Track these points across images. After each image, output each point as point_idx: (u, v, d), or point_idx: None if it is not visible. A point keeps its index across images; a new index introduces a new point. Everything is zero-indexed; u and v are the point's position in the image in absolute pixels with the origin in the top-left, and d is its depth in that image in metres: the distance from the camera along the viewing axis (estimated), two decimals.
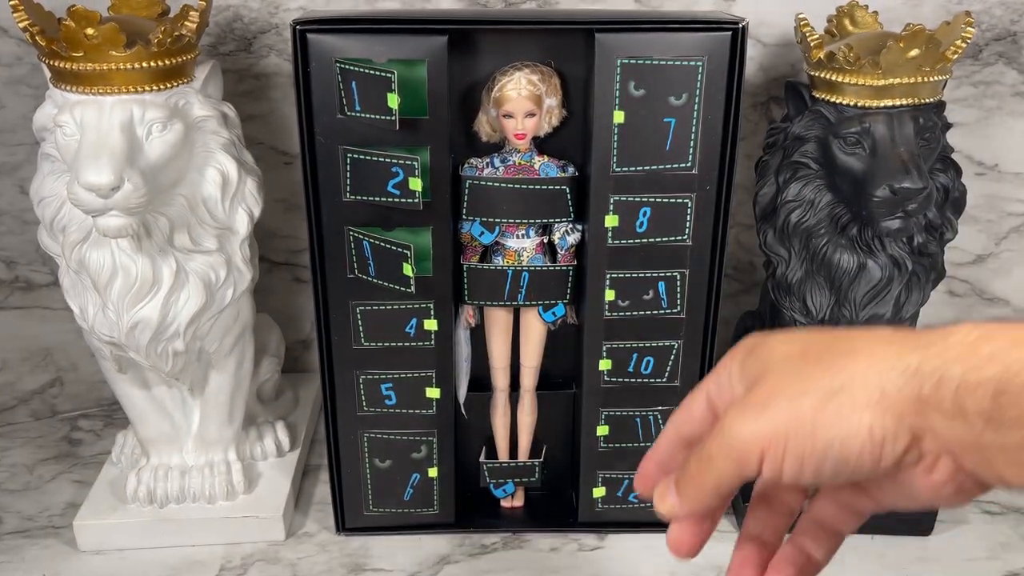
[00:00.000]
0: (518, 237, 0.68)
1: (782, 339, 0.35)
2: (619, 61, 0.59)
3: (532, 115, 0.64)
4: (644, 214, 0.63)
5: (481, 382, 0.75)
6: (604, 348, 0.68)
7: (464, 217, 0.66)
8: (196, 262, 0.67)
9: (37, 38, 0.61)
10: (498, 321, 0.71)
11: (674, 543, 0.37)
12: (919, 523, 0.75)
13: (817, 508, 0.38)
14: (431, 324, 0.67)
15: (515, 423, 0.76)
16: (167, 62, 0.63)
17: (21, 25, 0.61)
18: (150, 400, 0.74)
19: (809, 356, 0.34)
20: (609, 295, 0.66)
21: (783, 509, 0.39)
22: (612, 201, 0.63)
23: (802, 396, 0.32)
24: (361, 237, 0.63)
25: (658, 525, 0.74)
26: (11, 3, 0.61)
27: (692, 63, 0.59)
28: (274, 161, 0.87)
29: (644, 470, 0.40)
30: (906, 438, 0.31)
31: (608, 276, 0.65)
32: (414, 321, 0.66)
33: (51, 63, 0.62)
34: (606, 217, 0.63)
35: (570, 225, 0.67)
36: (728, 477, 0.34)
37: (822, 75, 0.67)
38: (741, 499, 0.75)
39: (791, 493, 0.39)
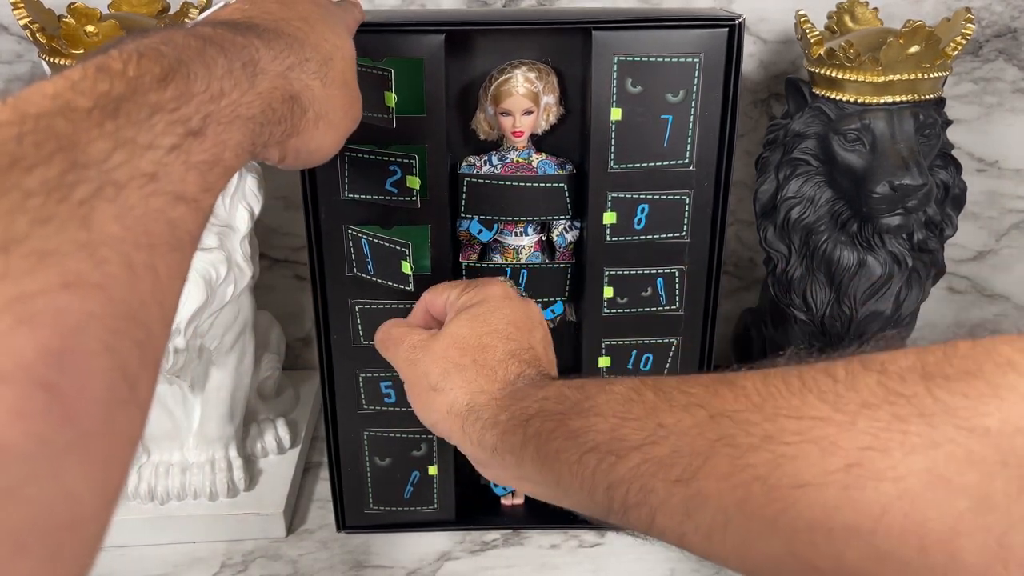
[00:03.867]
0: (516, 235, 0.68)
1: (470, 318, 0.50)
2: (616, 58, 0.59)
3: (530, 113, 0.64)
4: (642, 211, 0.63)
5: None
6: (603, 345, 0.68)
7: (462, 215, 0.66)
8: (196, 259, 0.66)
9: (37, 35, 0.61)
10: None
11: None
12: None
13: None
14: None
15: None
16: None
17: (21, 22, 0.62)
18: None
19: (453, 347, 0.49)
20: (608, 292, 0.66)
21: None
22: (610, 198, 0.63)
23: (425, 377, 0.49)
24: (359, 235, 0.63)
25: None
26: (11, 0, 0.61)
27: (689, 60, 0.59)
28: None
29: (411, 317, 0.58)
30: (455, 441, 0.47)
31: (607, 273, 0.65)
32: None
33: (51, 60, 0.62)
34: (604, 214, 0.63)
35: (568, 222, 0.67)
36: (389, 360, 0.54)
37: (822, 72, 0.67)
38: None
39: None
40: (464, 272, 0.68)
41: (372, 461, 0.72)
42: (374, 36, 0.59)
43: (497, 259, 0.68)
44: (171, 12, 0.70)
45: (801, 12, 0.69)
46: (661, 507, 0.35)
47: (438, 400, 0.48)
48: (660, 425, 0.36)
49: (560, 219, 0.67)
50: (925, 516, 0.28)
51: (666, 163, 0.62)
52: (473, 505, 0.77)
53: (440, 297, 0.55)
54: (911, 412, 0.29)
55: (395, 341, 0.53)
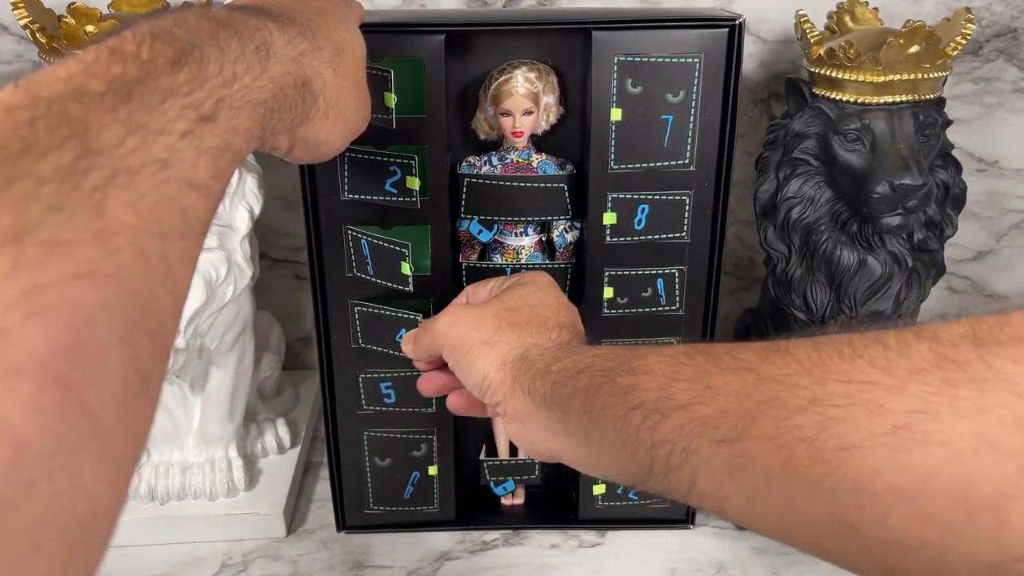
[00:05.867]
0: (516, 235, 0.68)
1: (521, 293, 0.53)
2: (616, 58, 0.59)
3: (530, 113, 0.64)
4: (642, 211, 0.63)
5: None
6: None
7: (462, 215, 0.66)
8: None
9: (37, 35, 0.61)
10: None
11: (421, 384, 0.57)
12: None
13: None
14: None
15: None
16: None
17: (21, 22, 0.62)
18: None
19: (506, 311, 0.51)
20: (608, 293, 0.66)
21: None
22: (610, 198, 0.63)
23: (476, 333, 0.49)
24: (359, 236, 0.63)
25: (658, 522, 0.75)
26: (11, 0, 0.61)
27: (689, 60, 0.59)
28: (273, 159, 0.86)
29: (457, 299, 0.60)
30: (500, 396, 0.47)
31: (607, 274, 0.65)
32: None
33: (51, 61, 0.62)
34: (604, 214, 0.63)
35: (568, 223, 0.67)
36: (431, 349, 0.53)
37: (822, 72, 0.67)
38: None
39: None
40: (464, 272, 0.68)
41: (372, 461, 0.72)
42: (374, 36, 0.58)
43: (497, 259, 0.68)
44: None
45: (801, 12, 0.68)
46: (704, 468, 0.35)
47: (491, 353, 0.48)
48: (708, 387, 0.36)
49: (560, 219, 0.67)
50: (972, 479, 0.28)
51: (666, 163, 0.62)
52: (473, 505, 0.77)
53: (484, 288, 0.58)
54: (962, 377, 0.29)
55: (433, 317, 0.54)
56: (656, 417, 0.37)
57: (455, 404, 0.56)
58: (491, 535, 0.75)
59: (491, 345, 0.49)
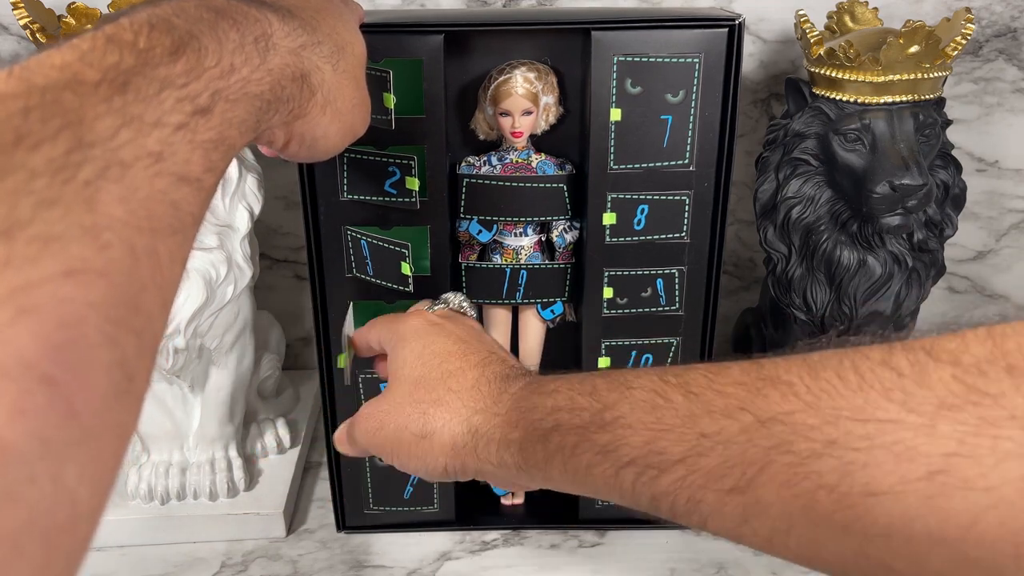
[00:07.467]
0: (516, 235, 0.68)
1: (415, 357, 0.49)
2: (615, 58, 0.59)
3: (529, 113, 0.64)
4: (642, 211, 0.63)
5: None
6: (603, 346, 0.68)
7: (462, 216, 0.66)
8: (196, 259, 0.67)
9: (37, 35, 0.61)
10: (497, 319, 0.71)
11: None
12: None
13: None
14: None
15: None
16: None
17: (21, 22, 0.62)
18: (150, 397, 0.73)
19: (418, 389, 0.47)
20: (607, 293, 0.66)
21: None
22: (610, 199, 0.63)
23: (403, 431, 0.46)
24: (359, 236, 0.63)
25: (657, 522, 0.74)
26: (11, 0, 0.61)
27: (688, 60, 0.59)
28: (273, 159, 0.87)
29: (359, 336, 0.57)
30: (472, 472, 0.45)
31: (606, 274, 0.65)
32: None
33: None
34: (604, 215, 0.63)
35: (568, 223, 0.67)
36: (362, 454, 0.52)
37: (822, 71, 0.67)
38: None
39: None
40: (463, 272, 0.68)
41: (372, 461, 0.72)
42: (373, 36, 0.58)
43: (497, 259, 0.68)
44: None
45: (801, 12, 0.68)
46: (713, 515, 0.34)
47: (434, 444, 0.45)
48: (702, 435, 0.34)
49: (560, 219, 0.67)
50: (1022, 525, 0.26)
51: (666, 163, 0.62)
52: (473, 505, 0.77)
53: (367, 337, 0.56)
54: (1001, 415, 0.27)
55: (350, 426, 0.51)
56: (652, 472, 0.35)
57: None
58: (491, 535, 0.75)
59: (428, 437, 0.45)
